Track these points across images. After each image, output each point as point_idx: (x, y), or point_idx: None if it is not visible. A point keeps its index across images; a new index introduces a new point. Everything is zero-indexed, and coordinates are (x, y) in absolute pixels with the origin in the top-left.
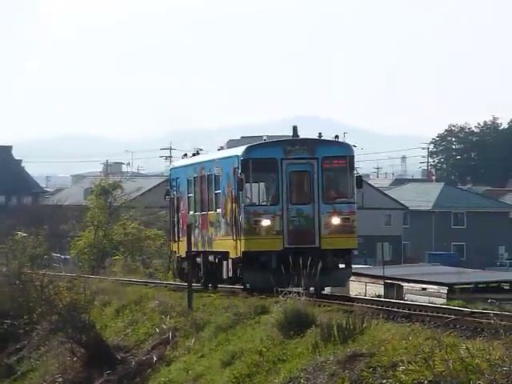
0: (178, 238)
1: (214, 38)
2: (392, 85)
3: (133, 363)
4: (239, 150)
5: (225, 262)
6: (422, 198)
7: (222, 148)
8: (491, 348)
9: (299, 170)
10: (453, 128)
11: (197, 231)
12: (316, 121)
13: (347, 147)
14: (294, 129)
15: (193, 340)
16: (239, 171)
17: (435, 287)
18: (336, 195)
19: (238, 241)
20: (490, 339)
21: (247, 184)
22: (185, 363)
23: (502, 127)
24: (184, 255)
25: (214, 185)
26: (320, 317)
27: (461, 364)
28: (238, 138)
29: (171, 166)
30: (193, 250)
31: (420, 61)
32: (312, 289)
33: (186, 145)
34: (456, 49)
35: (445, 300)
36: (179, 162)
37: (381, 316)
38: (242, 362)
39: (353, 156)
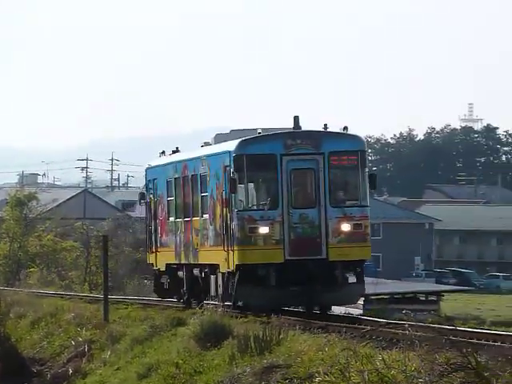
0: (156, 248)
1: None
2: (306, 96)
3: (48, 376)
4: (231, 145)
5: (213, 277)
6: None
7: (206, 144)
8: (407, 359)
9: (302, 167)
10: (369, 139)
11: (179, 240)
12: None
13: (358, 140)
14: (295, 119)
15: (109, 352)
16: (231, 170)
17: None
18: (346, 197)
19: (230, 252)
20: (405, 350)
21: (241, 185)
22: (100, 376)
23: (417, 138)
24: (163, 268)
25: (199, 186)
26: (237, 328)
27: (377, 375)
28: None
29: (147, 166)
30: (174, 262)
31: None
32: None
33: (106, 155)
34: (371, 58)
35: (361, 311)
36: (156, 161)
37: (298, 327)
38: (159, 374)
39: (365, 151)
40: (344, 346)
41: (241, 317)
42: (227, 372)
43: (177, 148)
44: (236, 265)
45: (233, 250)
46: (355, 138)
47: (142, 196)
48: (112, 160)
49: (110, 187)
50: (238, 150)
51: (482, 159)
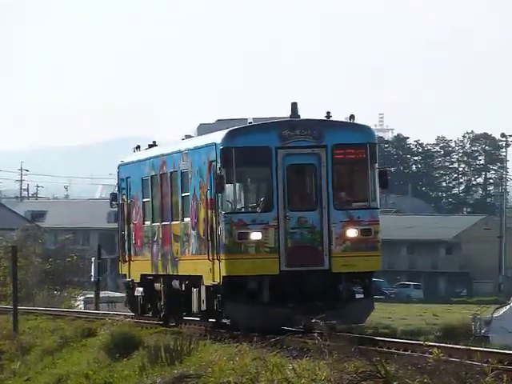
0: (130, 257)
1: None
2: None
3: None
4: (218, 136)
5: (195, 290)
6: None
7: (188, 137)
8: (317, 368)
9: (301, 162)
10: None
11: (155, 248)
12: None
13: (367, 131)
14: (293, 106)
15: (18, 363)
16: (218, 165)
17: None
18: (352, 198)
19: (217, 261)
20: (315, 359)
21: (229, 183)
22: None
23: None
24: (138, 280)
25: (180, 185)
26: (147, 339)
27: None
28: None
29: (119, 162)
30: (150, 273)
31: None
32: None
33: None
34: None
35: None
36: (130, 157)
37: (208, 337)
38: None
39: (375, 144)
40: (255, 356)
41: (151, 327)
42: (138, 382)
43: (154, 142)
44: (223, 276)
45: (219, 260)
46: (363, 128)
47: (114, 197)
48: (21, 170)
49: (19, 197)
50: (226, 141)
51: (393, 169)
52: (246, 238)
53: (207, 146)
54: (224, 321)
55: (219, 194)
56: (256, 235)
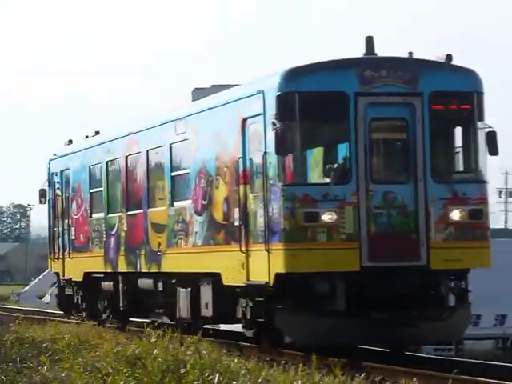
0: (66, 253)
1: None
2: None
3: None
4: (268, 80)
5: (184, 291)
6: None
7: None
8: None
9: (388, 116)
10: None
11: (113, 242)
12: None
13: (473, 77)
14: (369, 41)
15: None
16: (275, 117)
17: None
18: (455, 167)
19: (260, 253)
20: None
21: (285, 144)
22: None
23: None
24: (78, 278)
25: (168, 163)
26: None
27: None
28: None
29: (50, 157)
30: (100, 270)
31: None
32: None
33: None
34: None
35: None
36: (66, 149)
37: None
38: None
39: (482, 93)
40: None
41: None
42: None
43: (97, 132)
44: (276, 274)
45: (268, 251)
46: (468, 72)
47: (43, 193)
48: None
49: None
50: (286, 84)
51: None
52: (316, 219)
53: (239, 99)
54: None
55: (270, 162)
56: (328, 216)
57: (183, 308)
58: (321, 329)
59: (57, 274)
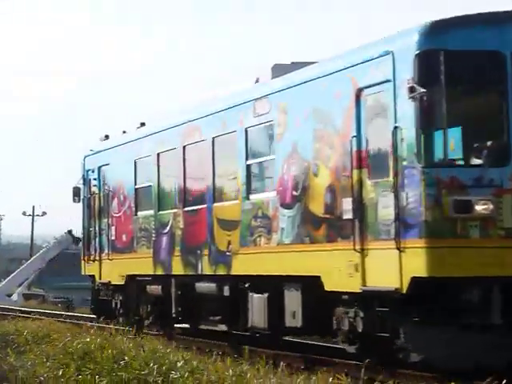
0: (107, 254)
1: None
2: None
3: None
4: (403, 38)
5: (259, 297)
6: None
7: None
8: None
9: None
10: None
11: (164, 241)
12: None
13: None
14: None
15: None
16: (413, 82)
17: None
18: None
19: (387, 253)
20: None
21: (432, 115)
22: None
23: None
24: (118, 281)
25: (243, 149)
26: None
27: None
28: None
29: (86, 153)
30: (147, 273)
31: None
32: None
33: None
34: None
35: None
36: (108, 143)
37: None
38: None
39: None
40: None
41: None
42: None
43: (143, 123)
44: (413, 279)
45: (400, 249)
46: None
47: (77, 191)
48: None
49: None
50: (428, 41)
51: None
52: (468, 209)
53: (350, 66)
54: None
55: (402, 138)
56: (483, 206)
57: (258, 316)
58: (470, 347)
59: (92, 277)
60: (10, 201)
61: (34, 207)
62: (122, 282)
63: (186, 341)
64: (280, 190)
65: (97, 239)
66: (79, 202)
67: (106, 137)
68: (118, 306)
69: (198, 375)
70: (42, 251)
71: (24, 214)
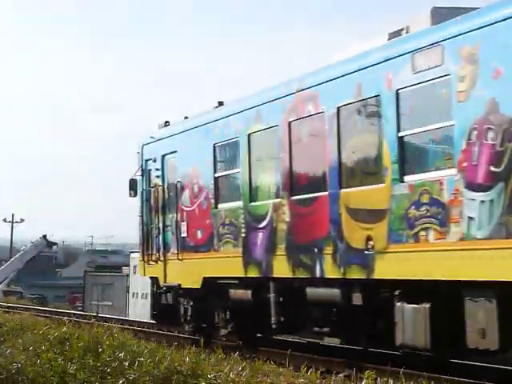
0: (176, 254)
1: None
2: None
3: None
4: None
5: (416, 308)
6: None
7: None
8: None
9: None
10: None
11: (260, 238)
12: None
13: None
14: None
15: None
16: None
17: None
18: None
19: None
20: None
21: None
22: None
23: None
24: (191, 284)
25: (389, 121)
26: None
27: None
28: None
29: (144, 141)
30: (227, 275)
31: None
32: None
33: None
34: None
35: None
36: (174, 128)
37: None
38: None
39: None
40: None
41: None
42: None
43: (220, 103)
44: None
45: None
46: None
47: (134, 184)
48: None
49: None
50: None
51: None
52: None
53: None
54: None
55: None
56: None
57: (415, 332)
58: None
59: (154, 279)
60: None
61: (13, 215)
62: (198, 286)
63: (281, 355)
64: (465, 167)
65: (160, 237)
66: (135, 195)
67: (166, 123)
68: (189, 312)
69: None
70: (20, 253)
71: (4, 220)
